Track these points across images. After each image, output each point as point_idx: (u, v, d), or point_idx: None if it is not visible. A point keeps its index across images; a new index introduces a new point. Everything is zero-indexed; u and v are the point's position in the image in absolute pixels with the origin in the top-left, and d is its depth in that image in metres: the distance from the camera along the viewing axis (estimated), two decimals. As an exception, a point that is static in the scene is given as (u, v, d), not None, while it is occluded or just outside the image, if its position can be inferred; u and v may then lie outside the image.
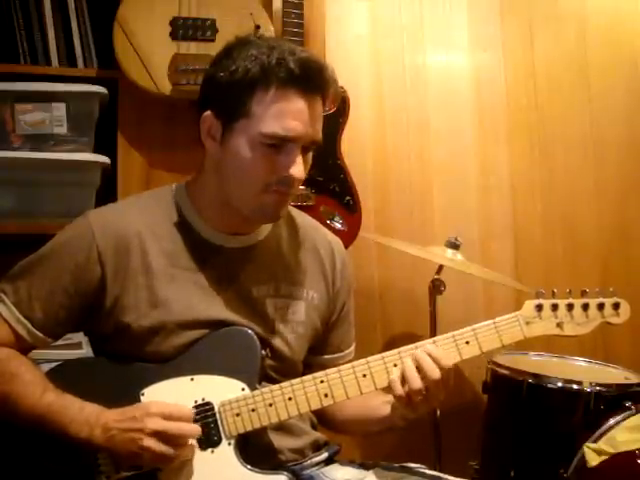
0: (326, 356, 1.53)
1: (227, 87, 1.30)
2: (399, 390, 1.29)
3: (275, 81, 1.28)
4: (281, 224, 1.48)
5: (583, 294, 1.35)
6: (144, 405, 1.27)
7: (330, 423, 1.54)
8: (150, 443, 1.22)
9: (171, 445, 1.23)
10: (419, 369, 1.28)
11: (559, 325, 1.34)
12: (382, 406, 1.41)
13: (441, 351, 1.30)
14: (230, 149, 1.32)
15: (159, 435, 1.22)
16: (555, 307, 1.33)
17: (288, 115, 1.28)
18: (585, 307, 1.34)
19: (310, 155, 1.36)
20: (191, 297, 1.36)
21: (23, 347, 1.36)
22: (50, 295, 1.34)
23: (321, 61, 1.32)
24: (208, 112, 1.33)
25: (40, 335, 1.35)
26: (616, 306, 1.34)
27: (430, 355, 1.29)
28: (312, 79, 1.29)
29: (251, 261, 1.41)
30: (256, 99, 1.28)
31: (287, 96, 1.28)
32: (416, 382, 1.27)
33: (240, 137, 1.30)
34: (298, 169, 1.30)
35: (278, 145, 1.29)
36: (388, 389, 1.32)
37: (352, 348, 1.57)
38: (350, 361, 1.33)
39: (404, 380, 1.29)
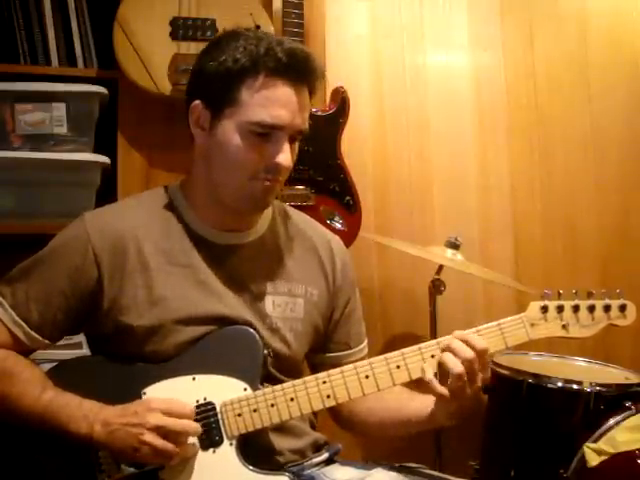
0: (334, 354, 1.52)
1: (216, 76, 1.32)
2: (438, 386, 1.28)
3: (264, 70, 1.30)
4: (278, 222, 1.48)
5: (589, 295, 1.32)
6: (145, 400, 1.28)
7: (360, 426, 1.52)
8: (150, 438, 1.22)
9: (171, 441, 1.23)
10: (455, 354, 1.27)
11: (564, 327, 1.32)
12: (424, 407, 1.39)
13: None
14: (218, 137, 1.33)
15: (160, 430, 1.23)
16: (561, 309, 1.32)
17: (276, 103, 1.30)
18: (591, 309, 1.32)
19: (296, 146, 1.38)
20: (189, 294, 1.36)
21: (21, 349, 1.36)
22: (47, 297, 1.34)
23: (308, 51, 1.35)
24: (197, 102, 1.35)
25: (37, 337, 1.35)
26: (622, 308, 1.32)
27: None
28: (299, 68, 1.31)
29: (248, 258, 1.42)
30: (245, 88, 1.30)
31: (275, 84, 1.30)
32: (457, 365, 1.26)
33: (228, 125, 1.32)
34: (285, 157, 1.32)
35: (266, 134, 1.31)
36: (425, 388, 1.31)
37: (363, 345, 1.56)
38: (364, 358, 1.32)
39: (442, 372, 1.28)
